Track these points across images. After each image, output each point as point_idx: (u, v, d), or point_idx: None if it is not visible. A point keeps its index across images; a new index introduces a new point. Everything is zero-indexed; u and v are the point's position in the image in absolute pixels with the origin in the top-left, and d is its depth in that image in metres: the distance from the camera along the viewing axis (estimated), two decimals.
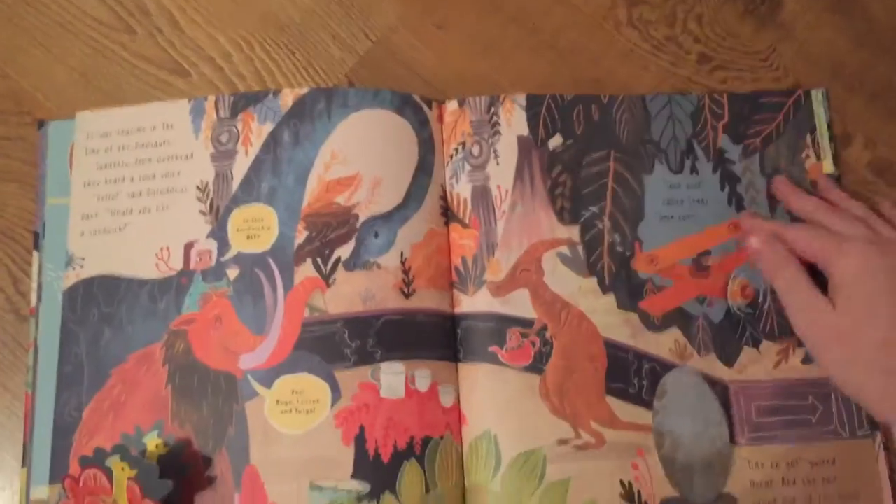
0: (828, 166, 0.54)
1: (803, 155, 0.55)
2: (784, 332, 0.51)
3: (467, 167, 0.54)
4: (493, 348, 0.51)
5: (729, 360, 0.51)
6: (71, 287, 0.52)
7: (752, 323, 0.52)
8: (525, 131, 0.54)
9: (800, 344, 0.51)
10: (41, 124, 0.55)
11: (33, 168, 0.55)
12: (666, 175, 0.54)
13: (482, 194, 0.53)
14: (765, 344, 0.52)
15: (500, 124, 0.54)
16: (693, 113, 0.55)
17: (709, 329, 0.52)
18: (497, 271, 0.52)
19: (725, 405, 0.50)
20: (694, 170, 0.54)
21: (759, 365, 0.51)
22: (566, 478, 0.49)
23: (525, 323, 0.51)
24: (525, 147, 0.54)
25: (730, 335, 0.52)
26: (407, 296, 0.51)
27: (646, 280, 0.52)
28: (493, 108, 0.54)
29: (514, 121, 0.54)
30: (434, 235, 0.53)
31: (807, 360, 0.51)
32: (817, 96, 0.56)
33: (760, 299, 0.52)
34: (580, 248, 0.52)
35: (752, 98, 0.56)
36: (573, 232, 0.53)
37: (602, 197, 0.53)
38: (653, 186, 0.54)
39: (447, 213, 0.53)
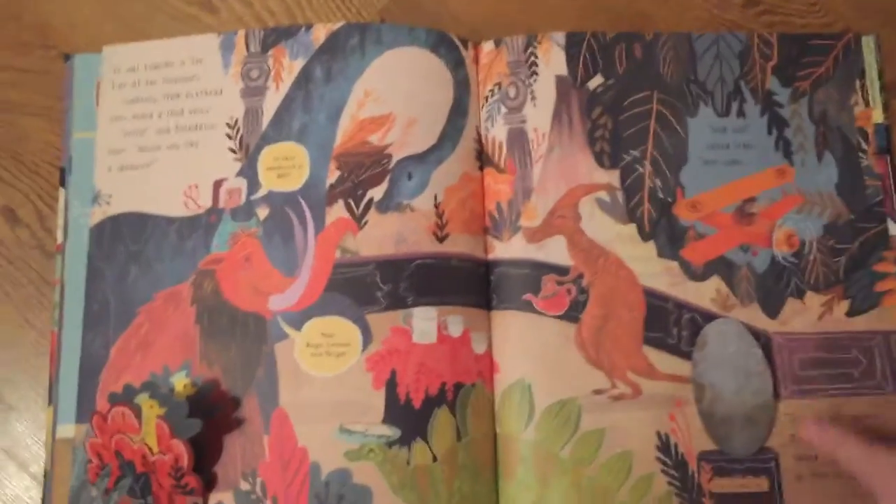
0: (877, 115, 0.53)
1: (852, 101, 0.53)
2: (829, 283, 0.50)
3: (503, 109, 0.52)
4: (527, 296, 0.49)
5: (772, 311, 0.50)
6: (98, 224, 0.51)
7: (796, 273, 0.50)
8: (564, 71, 0.52)
9: (845, 296, 0.50)
10: (67, 58, 0.54)
11: (59, 102, 0.53)
12: (711, 118, 0.52)
13: (518, 137, 0.51)
14: (809, 295, 0.50)
15: (537, 64, 0.52)
16: (741, 52, 0.53)
17: (752, 279, 0.50)
18: (533, 217, 0.50)
19: (768, 357, 0.49)
20: (741, 113, 0.52)
21: (802, 317, 0.50)
22: (601, 428, 0.47)
23: (561, 270, 0.50)
24: (563, 88, 0.52)
25: (774, 285, 0.50)
26: (440, 240, 0.50)
27: (687, 227, 0.51)
28: (530, 48, 0.52)
29: (552, 60, 0.52)
30: (468, 179, 0.51)
31: (851, 312, 0.50)
32: (868, 42, 0.54)
33: (806, 249, 0.50)
34: (620, 194, 0.51)
35: (802, 39, 0.54)
36: (613, 176, 0.51)
37: (643, 140, 0.52)
38: (697, 129, 0.52)
39: (481, 158, 0.52)
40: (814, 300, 0.50)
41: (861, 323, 0.49)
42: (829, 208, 0.51)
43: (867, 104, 0.53)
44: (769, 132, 0.52)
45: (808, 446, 0.47)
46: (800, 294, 0.50)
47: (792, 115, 0.52)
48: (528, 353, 0.49)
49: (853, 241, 0.51)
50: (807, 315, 0.50)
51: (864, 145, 0.52)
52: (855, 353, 0.49)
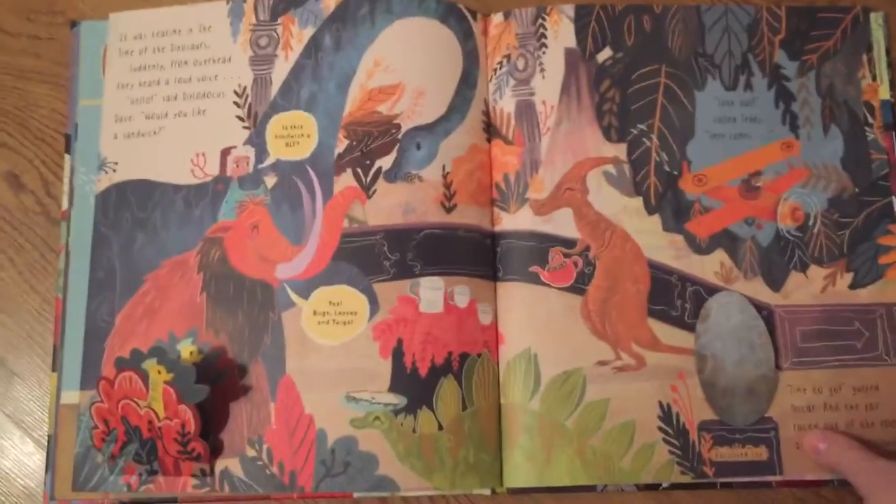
0: (884, 91, 0.53)
1: (859, 74, 0.53)
2: (832, 256, 0.50)
3: (511, 81, 0.52)
4: (533, 268, 0.49)
5: (775, 284, 0.50)
6: (104, 191, 0.51)
7: (800, 247, 0.51)
8: (573, 44, 0.52)
9: (848, 269, 0.50)
10: (74, 24, 0.53)
11: (65, 69, 0.53)
12: (718, 91, 0.52)
13: (526, 110, 0.52)
14: (812, 268, 0.50)
15: (546, 37, 0.52)
16: (750, 25, 0.53)
17: (756, 252, 0.50)
18: (540, 189, 0.51)
19: (770, 330, 0.49)
20: (748, 86, 0.52)
21: (805, 289, 0.50)
22: (605, 398, 0.48)
23: (567, 242, 0.50)
24: (572, 61, 0.52)
25: (778, 259, 0.50)
26: (448, 210, 0.50)
27: (693, 201, 0.51)
28: (539, 20, 0.53)
29: (561, 33, 0.52)
30: (476, 151, 0.51)
31: (855, 285, 0.50)
32: (877, 19, 0.54)
33: (811, 222, 0.51)
34: (626, 167, 0.51)
35: (810, 12, 0.54)
36: (620, 150, 0.51)
37: (651, 114, 0.52)
38: (704, 103, 0.52)
39: (489, 129, 0.52)
40: (817, 273, 0.50)
41: (864, 295, 0.50)
42: (834, 182, 0.51)
43: (874, 78, 0.53)
44: (776, 106, 0.52)
45: (813, 454, 0.48)
46: (803, 267, 0.50)
47: (799, 88, 0.53)
48: (533, 325, 0.49)
49: (858, 214, 0.51)
50: (809, 288, 0.50)
51: (870, 119, 0.52)
52: (857, 325, 0.50)
